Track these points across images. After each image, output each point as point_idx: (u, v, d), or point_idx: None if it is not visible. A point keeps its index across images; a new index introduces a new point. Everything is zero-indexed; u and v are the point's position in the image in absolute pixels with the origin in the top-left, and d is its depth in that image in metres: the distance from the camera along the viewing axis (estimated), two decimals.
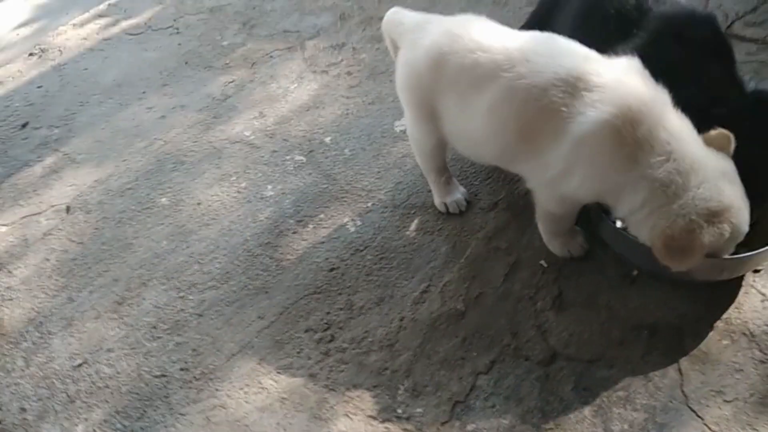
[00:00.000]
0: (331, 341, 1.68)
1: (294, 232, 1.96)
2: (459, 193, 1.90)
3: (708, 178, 1.33)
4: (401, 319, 1.69)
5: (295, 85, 2.48)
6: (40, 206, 2.20)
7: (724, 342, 1.52)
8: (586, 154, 1.39)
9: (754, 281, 1.61)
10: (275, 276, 1.85)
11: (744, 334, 1.53)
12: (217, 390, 1.62)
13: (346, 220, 1.96)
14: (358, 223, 1.95)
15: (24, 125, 2.54)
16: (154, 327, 1.78)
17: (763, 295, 1.58)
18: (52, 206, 2.19)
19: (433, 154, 1.79)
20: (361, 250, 1.87)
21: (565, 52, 1.46)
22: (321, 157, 2.17)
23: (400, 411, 1.53)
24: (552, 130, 1.42)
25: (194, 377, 1.66)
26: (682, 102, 1.42)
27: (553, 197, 1.55)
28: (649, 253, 1.47)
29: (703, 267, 1.50)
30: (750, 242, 1.47)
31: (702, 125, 1.42)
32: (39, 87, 2.72)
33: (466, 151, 1.72)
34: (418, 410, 1.52)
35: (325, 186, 2.07)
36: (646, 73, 1.41)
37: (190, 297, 1.84)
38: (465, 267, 1.77)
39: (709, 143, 1.40)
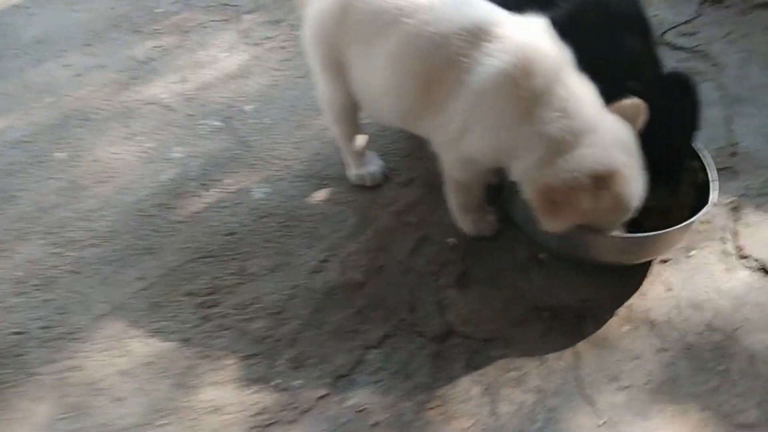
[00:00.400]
0: (213, 306, 1.52)
1: (195, 195, 1.81)
2: (376, 165, 1.79)
3: (601, 142, 1.27)
4: (294, 287, 1.55)
5: (225, 54, 2.36)
6: None
7: (625, 328, 1.43)
8: (483, 106, 1.32)
9: (661, 271, 1.53)
10: (166, 237, 1.69)
11: (645, 322, 1.44)
12: (76, 351, 1.45)
13: (253, 186, 1.82)
14: (266, 190, 1.81)
15: None
16: (22, 282, 1.60)
17: (669, 285, 1.49)
18: None
19: (344, 115, 1.68)
20: (264, 217, 1.73)
21: (471, 4, 1.40)
22: (239, 124, 2.04)
23: (277, 381, 1.38)
24: (452, 82, 1.35)
25: (55, 336, 1.48)
26: (597, 70, 1.35)
27: (456, 159, 1.46)
28: (564, 235, 1.39)
29: (599, 245, 1.42)
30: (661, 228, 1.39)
31: (615, 96, 1.35)
32: None
33: (372, 110, 1.61)
34: (297, 382, 1.38)
35: (237, 152, 1.94)
36: (552, 32, 1.34)
37: (68, 254, 1.66)
38: (371, 239, 1.65)
39: (618, 111, 1.33)
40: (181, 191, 1.82)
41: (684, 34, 2.23)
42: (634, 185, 1.29)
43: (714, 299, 1.46)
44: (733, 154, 1.79)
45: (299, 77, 2.21)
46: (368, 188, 1.78)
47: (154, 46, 2.42)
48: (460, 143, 1.40)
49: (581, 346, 1.40)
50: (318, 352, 1.42)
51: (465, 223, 1.62)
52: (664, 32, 2.24)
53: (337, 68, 1.54)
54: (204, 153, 1.94)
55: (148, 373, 1.40)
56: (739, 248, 1.57)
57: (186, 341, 1.45)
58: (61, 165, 1.93)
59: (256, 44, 2.40)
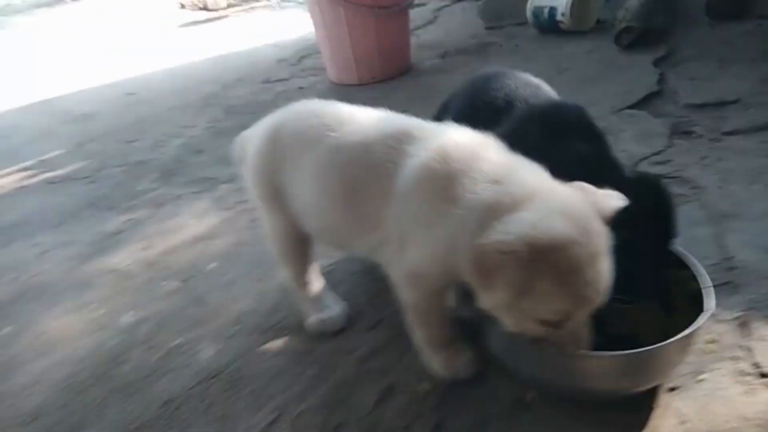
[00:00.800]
0: None
1: (137, 362, 1.62)
2: (336, 309, 1.61)
3: (545, 209, 1.07)
4: None
5: (195, 220, 2.32)
6: None
7: None
8: (411, 207, 1.20)
9: (671, 400, 1.26)
10: (95, 410, 1.47)
11: None
12: None
13: (203, 346, 1.64)
14: (217, 347, 1.62)
15: None
16: None
17: (682, 416, 1.21)
18: None
19: (291, 250, 1.56)
20: (211, 378, 1.52)
21: (395, 117, 1.37)
22: (198, 283, 1.91)
23: None
24: (377, 191, 1.25)
25: None
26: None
27: (404, 277, 1.29)
28: (546, 361, 1.19)
29: (586, 367, 1.18)
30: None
31: None
32: None
33: (312, 230, 1.50)
34: None
35: (192, 311, 1.78)
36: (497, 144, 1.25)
37: None
38: (328, 392, 1.41)
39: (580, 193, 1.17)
40: (123, 359, 1.63)
41: (657, 163, 2.16)
42: (589, 269, 1.05)
43: (739, 428, 1.17)
44: (731, 269, 1.59)
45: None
46: (330, 336, 1.58)
47: (127, 220, 2.41)
48: (403, 257, 1.25)
49: None
50: None
51: (437, 363, 1.40)
52: (636, 163, 2.17)
53: (275, 194, 1.47)
54: (156, 314, 1.79)
55: None
56: (756, 366, 1.31)
57: None
58: (3, 340, 1.78)
59: (228, 208, 2.38)
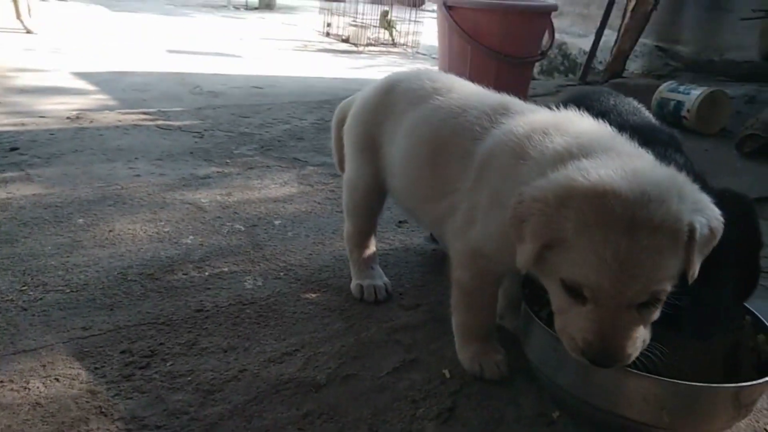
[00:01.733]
0: (142, 368, 1.27)
1: (185, 274, 1.66)
2: (379, 280, 1.60)
3: (608, 160, 0.99)
4: (241, 371, 1.28)
5: (276, 186, 2.40)
6: None
7: None
8: (487, 174, 1.18)
9: None
10: (133, 301, 1.52)
11: None
12: None
13: (248, 278, 1.66)
14: (259, 283, 1.64)
15: (12, 149, 2.56)
16: None
17: None
18: None
19: (364, 203, 1.58)
20: (245, 304, 1.54)
21: (501, 95, 1.38)
22: (260, 232, 1.96)
23: None
24: (463, 155, 1.25)
25: None
26: None
27: (464, 251, 1.26)
28: (581, 372, 1.12)
29: (628, 390, 1.07)
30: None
31: None
32: (51, 134, 2.80)
33: (393, 188, 1.50)
34: None
35: (247, 250, 1.82)
36: None
37: (30, 292, 1.52)
38: (350, 346, 1.39)
39: None
40: (173, 268, 1.69)
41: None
42: (623, 237, 0.92)
43: None
44: None
45: (338, 211, 2.17)
46: (369, 303, 1.56)
47: (217, 171, 2.53)
48: (469, 231, 1.22)
49: None
50: None
51: (465, 355, 1.34)
52: None
53: (370, 144, 1.51)
54: (214, 244, 1.84)
55: (29, 414, 1.12)
56: None
57: (92, 393, 1.18)
58: (74, 227, 1.89)
59: (310, 185, 2.44)
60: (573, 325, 1.01)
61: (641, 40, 4.71)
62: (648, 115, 1.58)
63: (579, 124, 1.16)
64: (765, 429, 1.22)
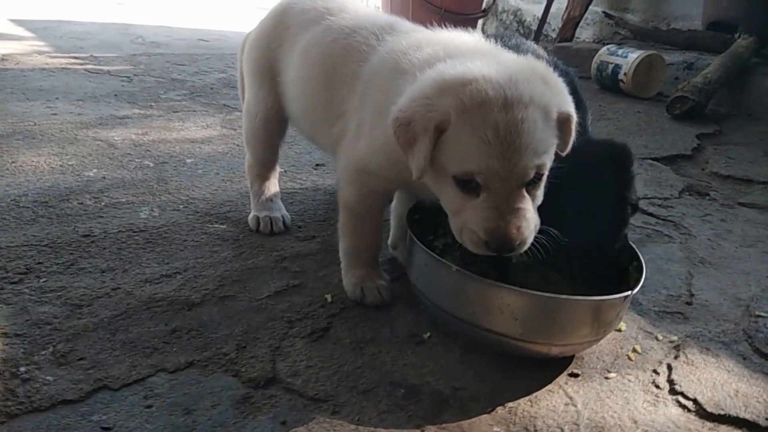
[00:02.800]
0: (14, 283, 1.26)
1: (80, 203, 1.64)
2: (277, 212, 1.60)
3: (470, 62, 1.05)
4: (114, 289, 1.28)
5: (196, 128, 2.37)
6: None
7: (495, 429, 1.04)
8: (371, 90, 1.20)
9: (566, 383, 1.16)
10: (20, 225, 1.50)
11: (525, 429, 1.05)
12: None
13: (144, 208, 1.65)
14: (155, 214, 1.63)
15: None
16: None
17: (570, 398, 1.12)
18: None
19: (263, 131, 1.57)
20: (134, 232, 1.53)
21: (391, 16, 1.39)
22: (169, 168, 1.94)
23: (24, 369, 1.05)
24: (351, 75, 1.26)
25: None
26: None
27: (351, 173, 1.28)
28: (454, 294, 1.15)
29: (489, 300, 1.11)
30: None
31: None
32: None
33: (291, 113, 1.51)
34: (48, 377, 1.04)
35: (150, 185, 1.80)
36: None
37: None
38: (234, 272, 1.39)
39: None
40: (69, 197, 1.66)
41: (659, 205, 2.07)
42: (498, 113, 0.98)
43: (625, 426, 1.06)
44: (687, 303, 1.48)
45: None
46: (263, 235, 1.57)
47: (139, 113, 2.49)
48: (355, 148, 1.24)
49: (430, 429, 1.02)
50: (95, 356, 1.10)
51: (349, 279, 1.35)
52: (639, 198, 2.09)
53: (268, 70, 1.50)
54: (117, 178, 1.82)
55: None
56: (671, 382, 1.20)
57: None
58: None
59: (233, 129, 2.42)
60: (471, 219, 1.05)
61: (592, 7, 4.73)
62: (550, 58, 1.61)
63: (450, 36, 1.19)
64: (628, 356, 1.27)
